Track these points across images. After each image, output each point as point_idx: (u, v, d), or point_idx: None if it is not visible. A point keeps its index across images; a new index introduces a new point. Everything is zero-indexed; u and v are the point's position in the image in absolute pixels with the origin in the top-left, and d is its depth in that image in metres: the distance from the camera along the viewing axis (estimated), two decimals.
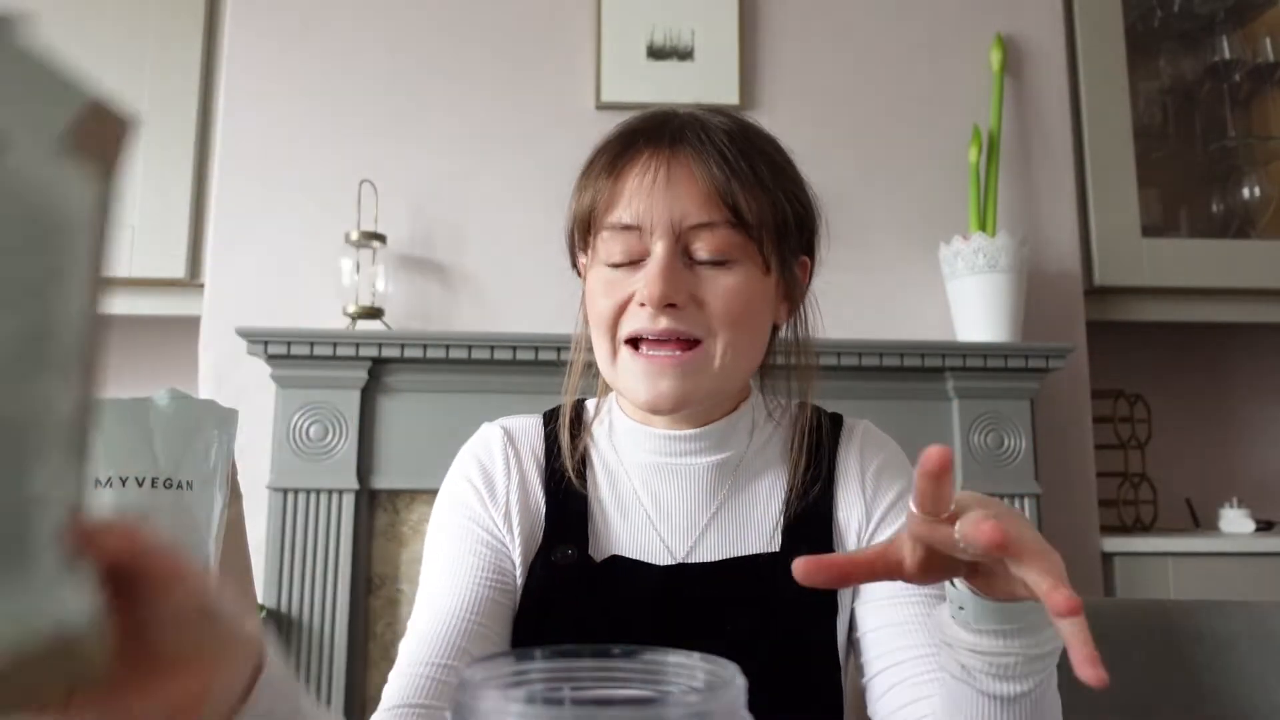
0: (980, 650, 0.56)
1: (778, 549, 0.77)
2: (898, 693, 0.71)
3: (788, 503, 0.79)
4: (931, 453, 0.47)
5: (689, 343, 0.73)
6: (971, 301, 1.88)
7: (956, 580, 0.55)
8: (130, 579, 0.33)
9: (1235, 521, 2.03)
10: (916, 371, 1.84)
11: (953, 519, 0.48)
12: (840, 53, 2.07)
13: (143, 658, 0.34)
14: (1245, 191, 2.28)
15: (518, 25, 2.04)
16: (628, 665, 0.37)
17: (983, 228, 1.92)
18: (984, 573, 0.52)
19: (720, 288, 0.72)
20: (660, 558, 0.77)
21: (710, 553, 0.77)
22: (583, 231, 0.78)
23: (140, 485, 0.47)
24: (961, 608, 0.56)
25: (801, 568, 0.51)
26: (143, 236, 1.97)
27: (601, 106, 1.99)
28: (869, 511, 0.79)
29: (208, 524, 0.50)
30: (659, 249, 0.72)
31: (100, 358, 0.29)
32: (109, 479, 0.46)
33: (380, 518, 1.82)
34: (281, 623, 1.71)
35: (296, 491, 1.75)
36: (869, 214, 2.01)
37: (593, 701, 0.36)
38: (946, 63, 2.08)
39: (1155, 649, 0.94)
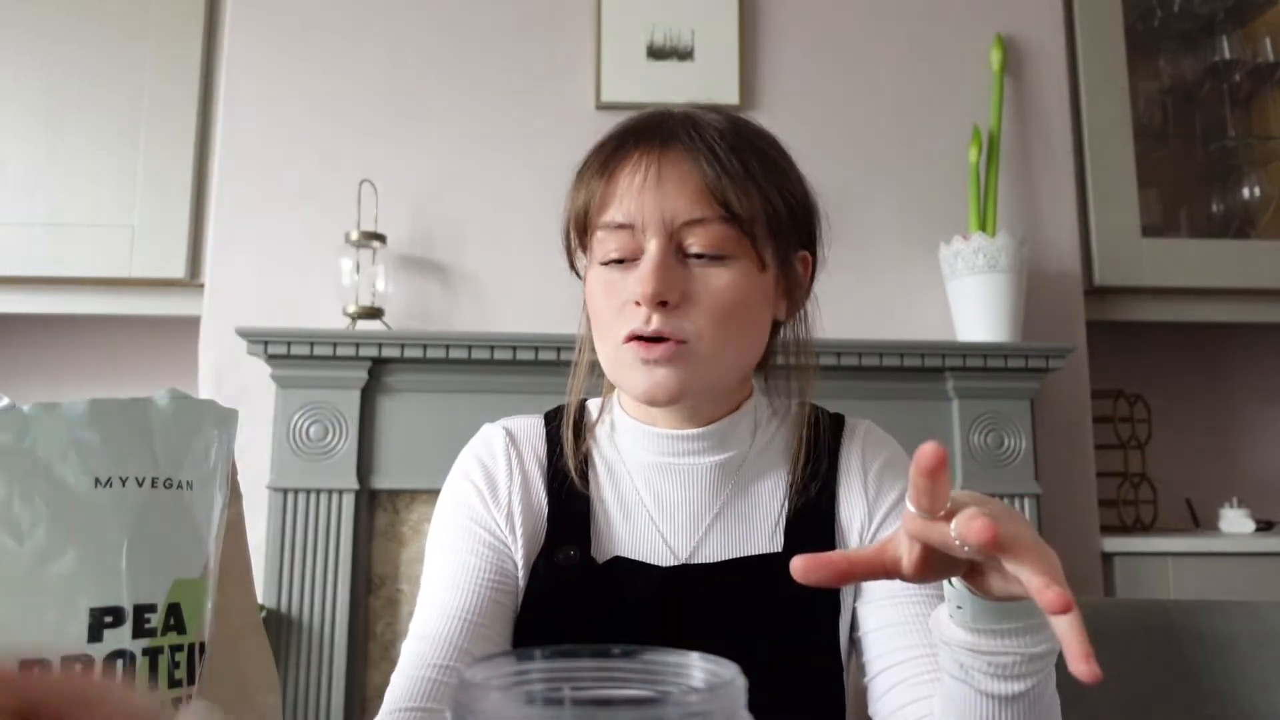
0: (978, 650, 0.56)
1: (780, 549, 0.77)
2: (898, 693, 0.71)
3: (790, 501, 0.79)
4: (926, 450, 0.47)
5: (682, 341, 0.73)
6: (971, 301, 1.88)
7: (954, 579, 0.55)
8: None
9: (1235, 521, 2.03)
10: (916, 371, 1.84)
11: (949, 517, 0.48)
12: (840, 53, 2.07)
13: None
14: (1245, 191, 2.28)
15: (518, 25, 2.04)
16: (628, 665, 0.37)
17: (983, 228, 1.92)
18: (982, 572, 0.52)
19: (714, 285, 0.72)
20: (663, 558, 0.77)
21: (713, 553, 0.77)
22: (578, 232, 0.78)
23: (140, 485, 0.47)
24: (960, 607, 0.56)
25: (800, 566, 0.51)
26: (143, 236, 1.97)
27: (601, 106, 1.99)
28: (871, 511, 0.79)
29: (208, 524, 0.50)
30: (652, 247, 0.72)
31: None
32: (109, 479, 0.46)
33: (380, 518, 1.82)
34: (281, 623, 1.71)
35: (296, 491, 1.75)
36: (869, 214, 2.01)
37: (593, 701, 0.36)
38: (946, 63, 2.08)
39: (1155, 649, 0.94)
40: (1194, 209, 2.32)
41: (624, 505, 0.80)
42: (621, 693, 0.36)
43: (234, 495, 0.54)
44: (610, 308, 0.74)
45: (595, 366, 0.82)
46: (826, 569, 0.51)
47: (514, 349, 1.76)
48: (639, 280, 0.72)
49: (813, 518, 0.78)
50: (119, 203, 1.98)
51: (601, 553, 0.78)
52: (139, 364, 2.25)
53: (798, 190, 0.79)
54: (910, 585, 0.70)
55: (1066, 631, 0.44)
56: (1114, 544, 1.92)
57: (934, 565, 0.51)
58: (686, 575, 0.76)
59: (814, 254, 0.83)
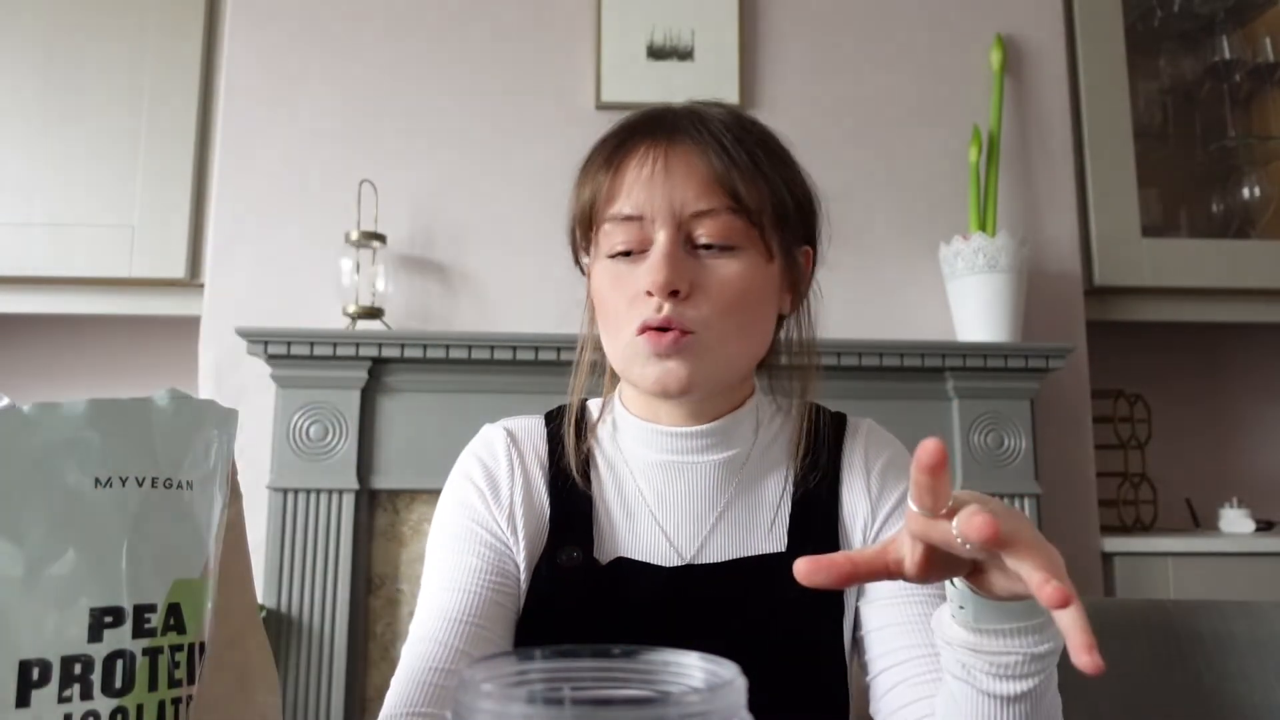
0: (981, 649, 0.56)
1: (783, 549, 0.77)
2: (899, 692, 0.71)
3: (793, 499, 0.79)
4: (926, 446, 0.47)
5: (690, 332, 0.72)
6: (971, 301, 1.88)
7: (957, 579, 0.55)
8: None
9: (1235, 521, 2.03)
10: (916, 371, 1.84)
11: (951, 515, 0.48)
12: (840, 53, 2.08)
13: None
14: (1245, 191, 2.28)
15: (518, 25, 2.04)
16: (628, 665, 0.37)
17: (983, 228, 1.92)
18: (985, 571, 0.52)
19: (723, 275, 0.72)
20: (667, 558, 0.77)
21: (718, 553, 0.77)
22: (584, 227, 0.78)
23: (140, 485, 0.47)
24: (962, 607, 0.55)
25: (803, 569, 0.50)
26: (143, 236, 1.97)
27: (601, 106, 1.99)
28: (874, 510, 0.79)
29: (208, 524, 0.50)
30: (661, 237, 0.72)
31: None
32: (109, 479, 0.46)
33: (380, 518, 1.82)
34: (281, 623, 1.71)
35: (296, 491, 1.75)
36: (869, 214, 2.01)
37: (593, 701, 0.36)
38: (946, 63, 2.08)
39: (1155, 649, 0.94)
40: (1194, 209, 2.32)
41: (626, 505, 0.79)
42: (621, 693, 0.36)
43: (234, 495, 0.54)
44: (620, 300, 0.74)
45: (596, 366, 0.82)
46: (830, 571, 0.51)
47: (514, 349, 1.76)
48: (649, 270, 0.71)
49: (816, 517, 0.78)
50: (119, 203, 1.98)
51: (604, 553, 0.77)
52: (139, 364, 2.25)
53: (801, 184, 0.79)
54: (913, 585, 0.70)
55: (1068, 624, 0.44)
56: (1114, 544, 1.92)
57: (937, 565, 0.51)
58: (691, 575, 0.76)
59: (814, 249, 0.83)
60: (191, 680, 0.48)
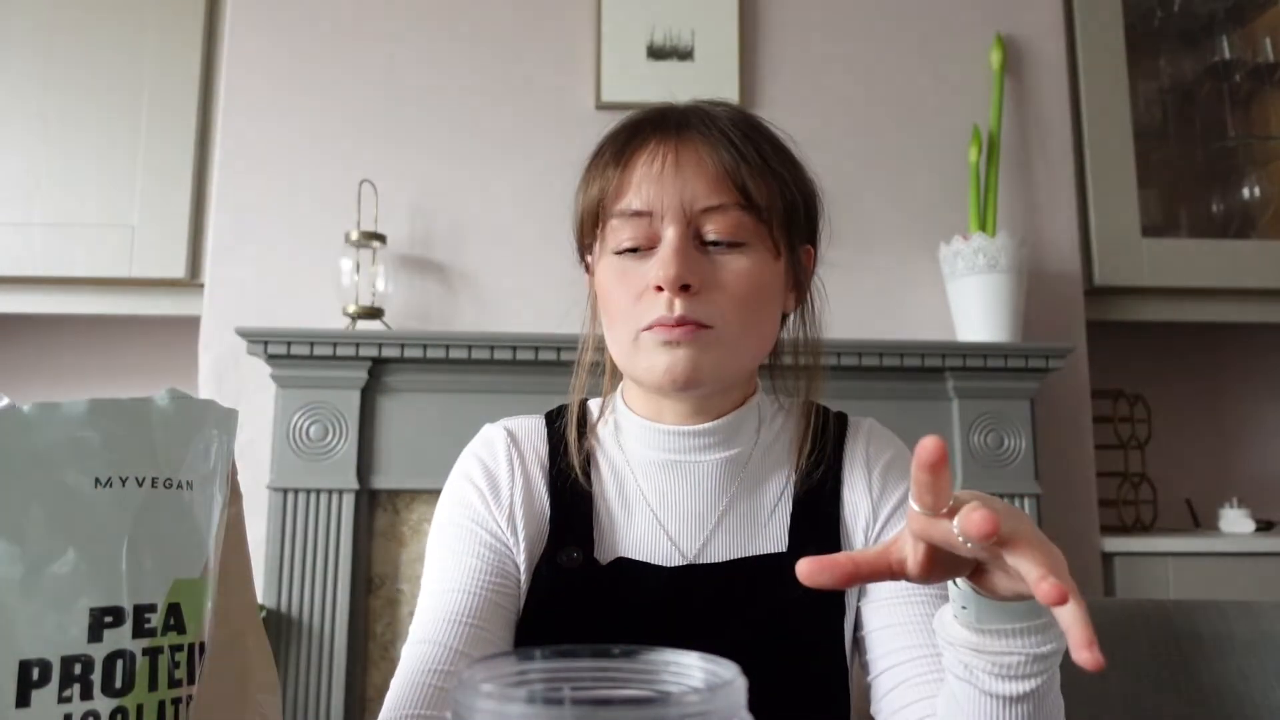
0: (983, 650, 0.55)
1: (785, 548, 0.77)
2: (900, 692, 0.71)
3: (794, 499, 0.79)
4: (926, 444, 0.47)
5: (704, 326, 0.72)
6: (971, 301, 1.88)
7: (959, 580, 0.54)
8: None
9: (1235, 521, 2.03)
10: (916, 371, 1.84)
11: (952, 514, 0.48)
12: (840, 53, 2.07)
13: None
14: (1245, 191, 2.28)
15: (517, 25, 2.04)
16: (628, 665, 0.37)
17: (983, 228, 1.92)
18: (987, 571, 0.52)
19: (733, 270, 0.72)
20: (668, 558, 0.77)
21: (720, 552, 0.77)
22: (591, 223, 0.78)
23: (140, 485, 0.47)
24: (965, 607, 0.55)
25: (805, 569, 0.50)
26: (143, 236, 1.97)
27: (601, 106, 1.99)
28: (876, 510, 0.79)
29: (208, 524, 0.50)
30: (670, 233, 0.72)
31: None
32: (109, 479, 0.46)
33: (380, 518, 1.82)
34: (281, 623, 1.71)
35: (296, 491, 1.75)
36: (869, 214, 2.01)
37: (593, 701, 0.36)
38: (946, 63, 2.08)
39: (1155, 649, 0.94)
40: (1194, 209, 2.32)
41: (627, 504, 0.79)
42: (621, 693, 0.36)
43: (234, 495, 0.54)
44: (627, 295, 0.73)
45: (597, 365, 0.82)
46: (832, 571, 0.50)
47: (514, 349, 1.76)
48: (660, 264, 0.71)
49: (817, 516, 0.78)
50: (119, 203, 1.98)
51: (605, 553, 0.77)
52: (139, 364, 2.25)
53: (806, 182, 0.79)
54: (915, 585, 0.70)
55: (1068, 621, 0.44)
56: (1114, 544, 1.92)
57: (939, 565, 0.51)
58: (692, 575, 0.76)
59: (815, 248, 0.83)
60: (191, 680, 0.48)
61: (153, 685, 0.45)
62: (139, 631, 0.45)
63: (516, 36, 2.03)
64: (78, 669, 0.43)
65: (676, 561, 0.76)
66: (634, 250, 0.74)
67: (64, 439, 0.45)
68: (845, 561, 0.51)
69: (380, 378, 1.79)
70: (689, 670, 0.36)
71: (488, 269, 1.96)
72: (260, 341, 1.73)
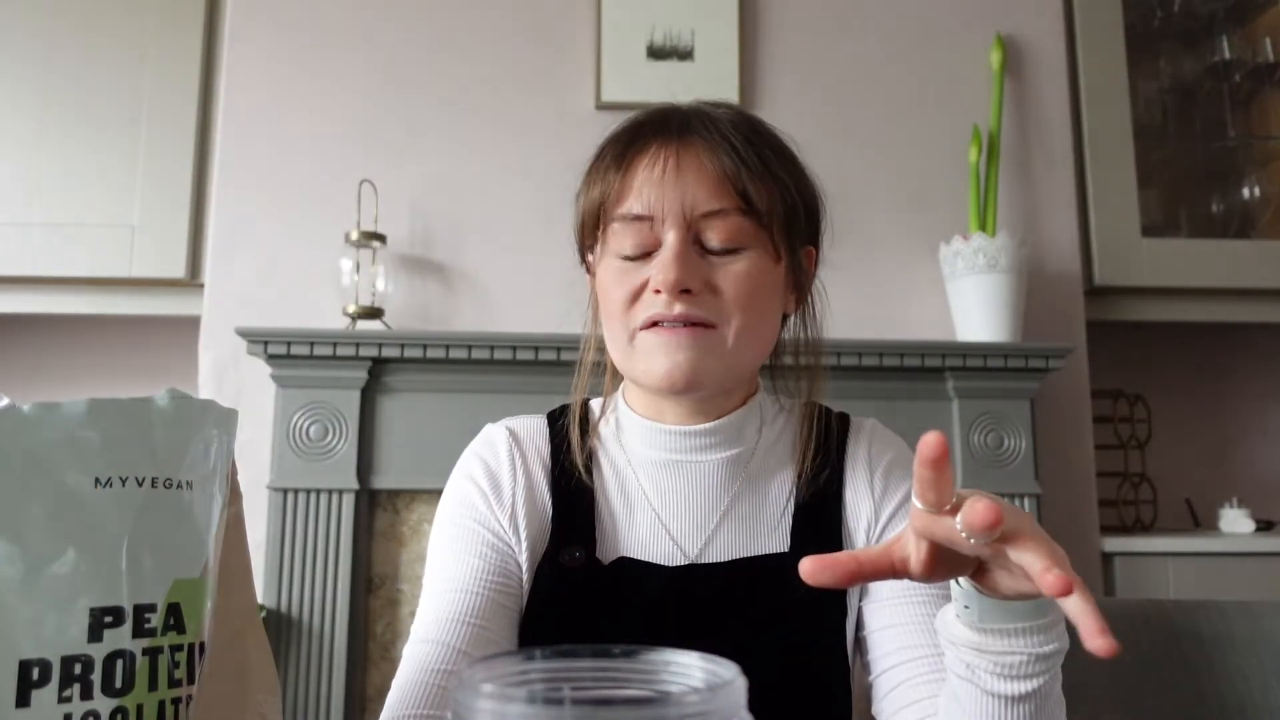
0: (985, 649, 0.55)
1: (787, 548, 0.77)
2: (902, 692, 0.71)
3: (796, 499, 0.79)
4: (927, 440, 0.47)
5: (704, 326, 0.72)
6: (971, 301, 1.88)
7: (962, 579, 0.54)
8: None
9: (1235, 521, 2.03)
10: (916, 371, 1.84)
11: (954, 511, 0.48)
12: (840, 53, 2.08)
13: None
14: (1245, 191, 2.28)
15: (518, 25, 2.04)
16: (628, 665, 0.37)
17: (983, 228, 1.92)
18: (990, 570, 0.52)
19: (732, 274, 0.72)
20: (671, 557, 0.76)
21: (722, 552, 0.77)
22: (592, 225, 0.78)
23: (140, 485, 0.47)
24: (967, 606, 0.55)
25: (808, 567, 0.50)
26: (143, 236, 1.97)
27: (601, 106, 1.99)
28: (878, 509, 0.79)
29: (208, 524, 0.50)
30: (671, 237, 0.72)
31: None
32: (109, 479, 0.46)
33: (380, 518, 1.82)
34: (281, 623, 1.71)
35: (296, 491, 1.75)
36: (869, 214, 2.01)
37: (593, 701, 0.36)
38: (946, 63, 2.08)
39: (1155, 649, 0.94)
40: (1194, 209, 2.32)
41: (629, 504, 0.79)
42: (621, 693, 0.36)
43: (234, 495, 0.54)
44: (626, 295, 0.74)
45: (599, 365, 0.82)
46: (835, 570, 0.50)
47: (514, 349, 1.76)
48: (660, 268, 0.71)
49: (819, 515, 0.78)
50: (119, 203, 1.98)
51: (606, 553, 0.77)
52: (139, 364, 2.25)
53: (808, 185, 0.79)
54: (917, 585, 0.70)
55: (1077, 611, 0.43)
56: (1114, 544, 1.92)
57: (942, 563, 0.51)
58: (694, 575, 0.75)
59: (817, 249, 0.83)
60: (191, 680, 0.48)
61: (153, 685, 0.45)
62: (139, 631, 0.45)
63: (516, 36, 2.03)
64: (78, 669, 0.43)
65: (678, 561, 0.76)
66: (636, 256, 0.74)
67: (64, 439, 0.45)
68: (848, 560, 0.51)
69: (380, 378, 1.79)
70: (689, 670, 0.36)
71: (488, 269, 1.96)
72: (260, 341, 1.73)
